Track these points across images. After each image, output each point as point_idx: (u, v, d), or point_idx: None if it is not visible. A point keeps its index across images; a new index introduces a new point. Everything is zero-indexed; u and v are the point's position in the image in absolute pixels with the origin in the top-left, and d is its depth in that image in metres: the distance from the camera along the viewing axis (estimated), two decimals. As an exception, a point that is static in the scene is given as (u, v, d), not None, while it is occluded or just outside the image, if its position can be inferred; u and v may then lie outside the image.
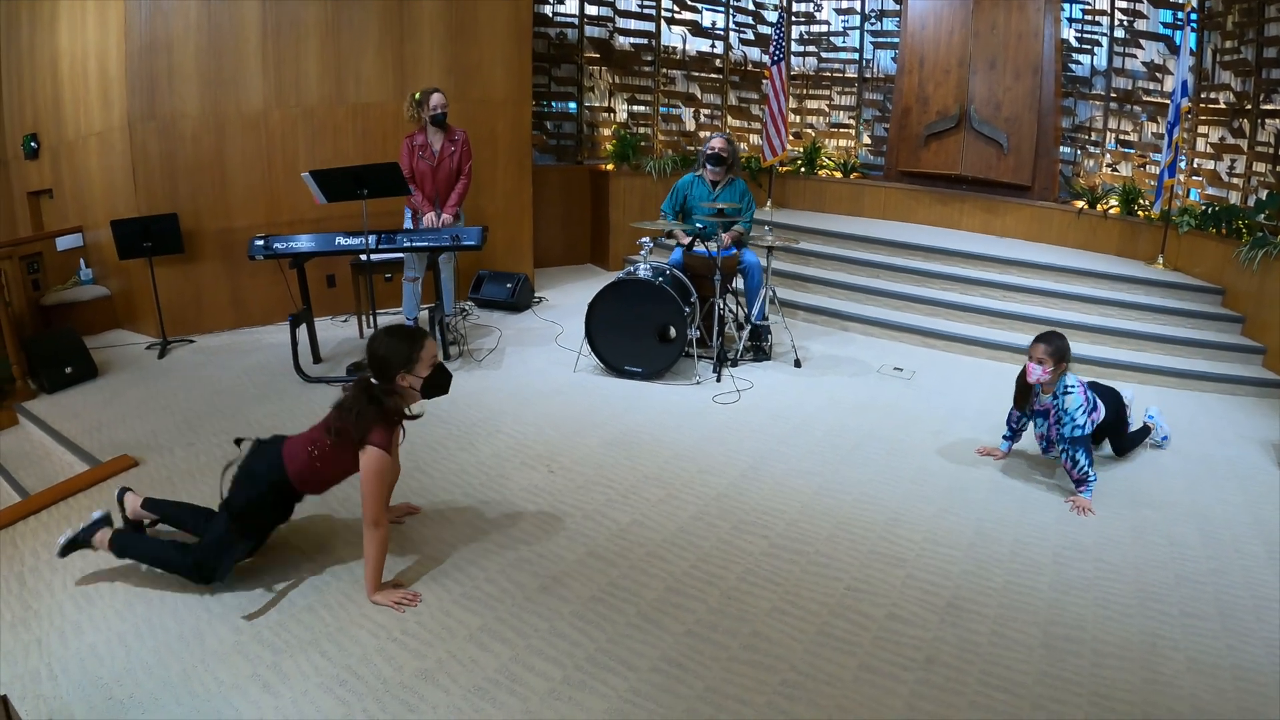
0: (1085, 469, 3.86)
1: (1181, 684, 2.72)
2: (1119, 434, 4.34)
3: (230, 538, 3.08)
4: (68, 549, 3.12)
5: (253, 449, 3.20)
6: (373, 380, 3.06)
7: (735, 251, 5.67)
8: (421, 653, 2.75)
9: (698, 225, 5.52)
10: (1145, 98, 7.29)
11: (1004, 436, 4.36)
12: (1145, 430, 4.49)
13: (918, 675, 2.72)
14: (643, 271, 5.15)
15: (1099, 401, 4.03)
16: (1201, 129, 6.87)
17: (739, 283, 5.95)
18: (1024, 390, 4.07)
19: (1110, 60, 7.46)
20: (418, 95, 5.53)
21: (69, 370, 5.10)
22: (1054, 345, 3.83)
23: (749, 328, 5.70)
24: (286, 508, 3.22)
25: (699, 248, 5.53)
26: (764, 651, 2.82)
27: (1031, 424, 4.17)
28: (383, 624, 2.89)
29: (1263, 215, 5.94)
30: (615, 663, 2.72)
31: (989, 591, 3.20)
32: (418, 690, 2.57)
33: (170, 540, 3.20)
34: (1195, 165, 6.91)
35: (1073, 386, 3.87)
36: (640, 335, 5.18)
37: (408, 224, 5.73)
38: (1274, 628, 3.03)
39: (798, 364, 5.66)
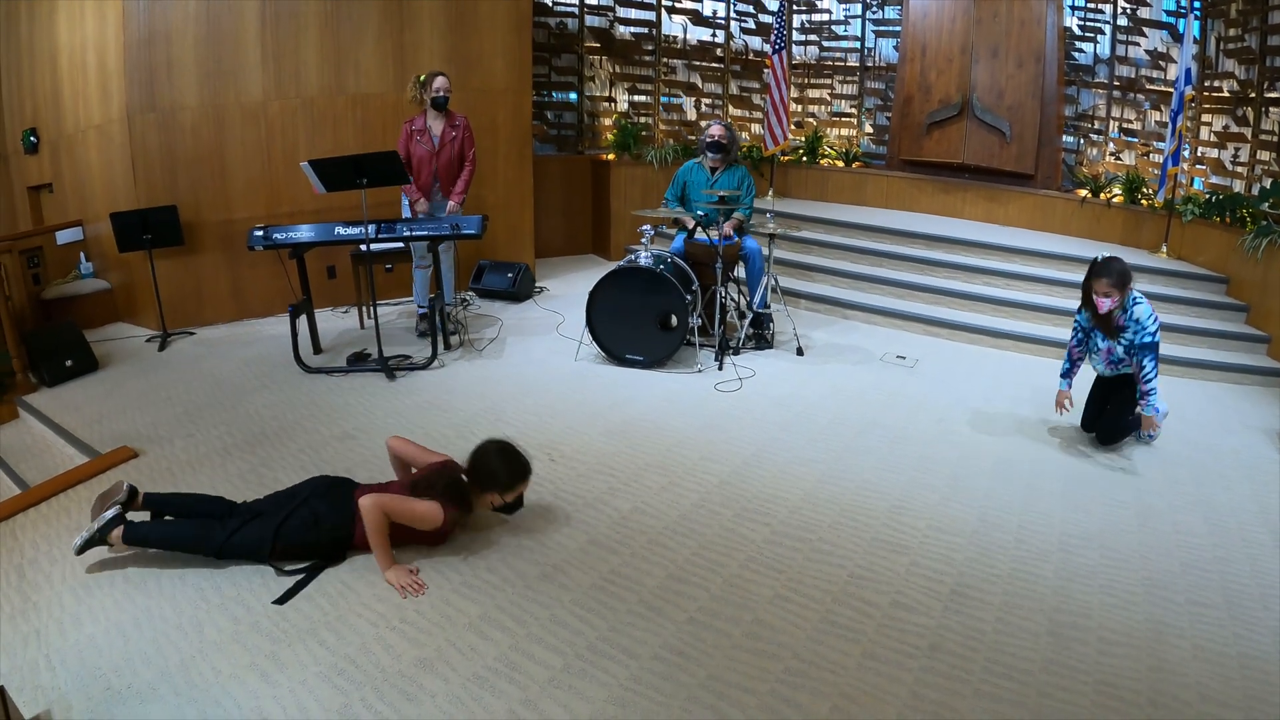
0: (1152, 375, 4.05)
1: (1187, 671, 2.70)
2: (1121, 416, 4.32)
3: (263, 554, 3.13)
4: (85, 547, 3.12)
5: (319, 488, 3.26)
6: (464, 477, 3.28)
7: (736, 239, 5.64)
8: (420, 641, 2.73)
9: (698, 213, 5.50)
10: (1148, 86, 7.23)
11: (1062, 374, 4.47)
12: (1136, 421, 4.36)
13: (922, 663, 2.70)
14: (644, 259, 5.12)
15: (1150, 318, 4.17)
16: (1205, 117, 6.80)
17: (741, 271, 5.92)
18: (1106, 322, 4.20)
19: (1113, 48, 7.40)
20: (422, 77, 5.52)
21: (69, 363, 5.10)
22: (1115, 274, 4.03)
23: (751, 316, 5.67)
24: (334, 556, 3.23)
25: (700, 235, 5.50)
26: (767, 639, 2.79)
27: (1096, 344, 4.31)
28: (382, 613, 2.87)
29: (1267, 204, 5.88)
30: (616, 651, 2.70)
31: (993, 579, 3.18)
32: (416, 679, 2.56)
33: (182, 521, 3.23)
34: (1199, 154, 6.85)
35: (1140, 298, 4.09)
36: (641, 323, 5.15)
37: (406, 213, 5.71)
38: None
39: (800, 352, 5.63)
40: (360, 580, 3.05)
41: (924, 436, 4.44)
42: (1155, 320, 4.07)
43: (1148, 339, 4.05)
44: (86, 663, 2.63)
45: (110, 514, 3.13)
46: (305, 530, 3.13)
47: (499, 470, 3.25)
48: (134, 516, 3.21)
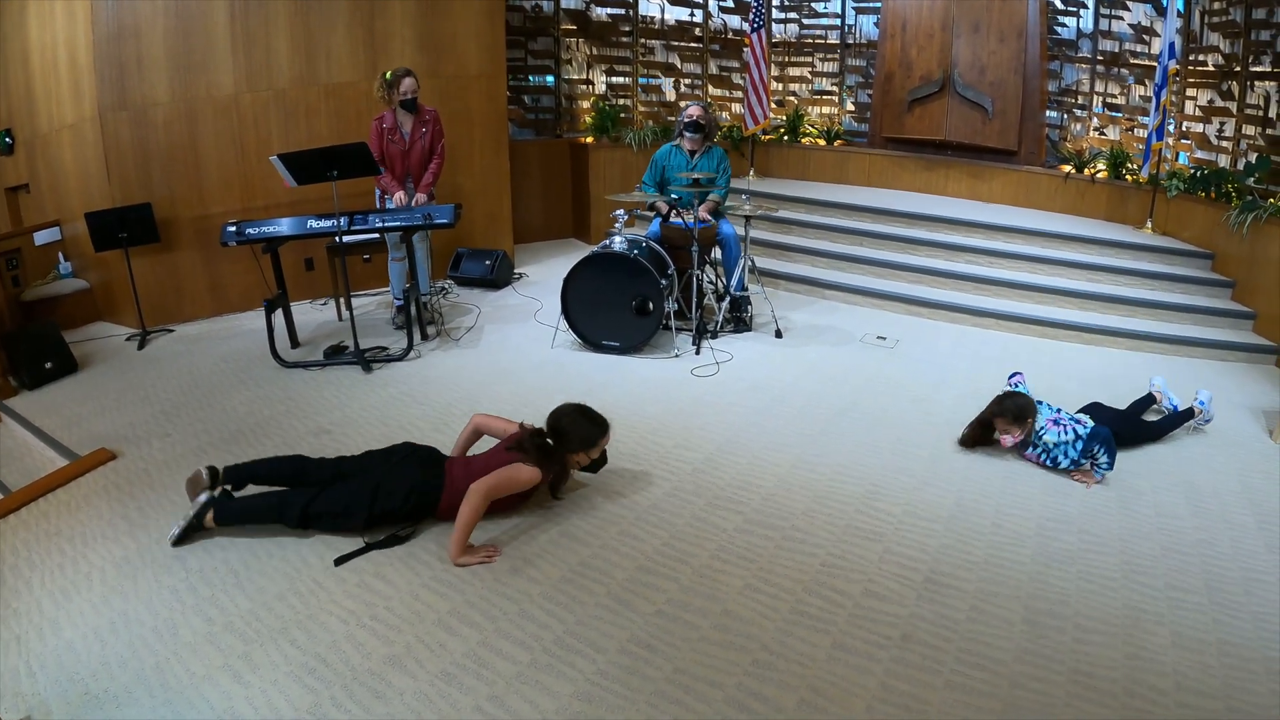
0: (1107, 465, 3.79)
1: (1165, 659, 2.69)
2: (1138, 426, 4.24)
3: (357, 519, 3.27)
4: (183, 537, 3.29)
5: (413, 453, 3.43)
6: (549, 441, 3.42)
7: (713, 222, 5.62)
8: (390, 639, 2.76)
9: (673, 196, 5.48)
10: (1132, 60, 7.18)
11: None
12: (1188, 413, 4.28)
13: (893, 654, 2.70)
14: (618, 245, 5.12)
15: (1070, 420, 3.90)
16: (1190, 92, 6.76)
17: (718, 253, 5.91)
18: (989, 434, 4.06)
19: (1096, 22, 7.34)
20: (389, 76, 5.45)
21: (49, 365, 5.09)
22: (1006, 409, 3.89)
23: (728, 299, 5.67)
24: (415, 517, 3.38)
25: (675, 219, 5.49)
26: (735, 631, 2.80)
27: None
28: (352, 610, 2.90)
29: (1252, 179, 5.86)
30: (583, 645, 2.73)
31: (969, 566, 3.17)
32: (385, 676, 2.58)
33: (268, 493, 3.39)
34: (1184, 128, 6.82)
35: (1041, 427, 3.87)
36: (617, 309, 5.15)
37: (390, 204, 5.69)
38: (1262, 601, 2.99)
39: (779, 334, 5.64)
40: (331, 577, 3.07)
41: (902, 419, 4.44)
42: (1072, 430, 3.81)
43: (1074, 452, 3.80)
44: (65, 668, 2.65)
45: (202, 499, 3.33)
46: (404, 496, 3.27)
47: (584, 429, 3.44)
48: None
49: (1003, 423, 3.91)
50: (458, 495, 3.21)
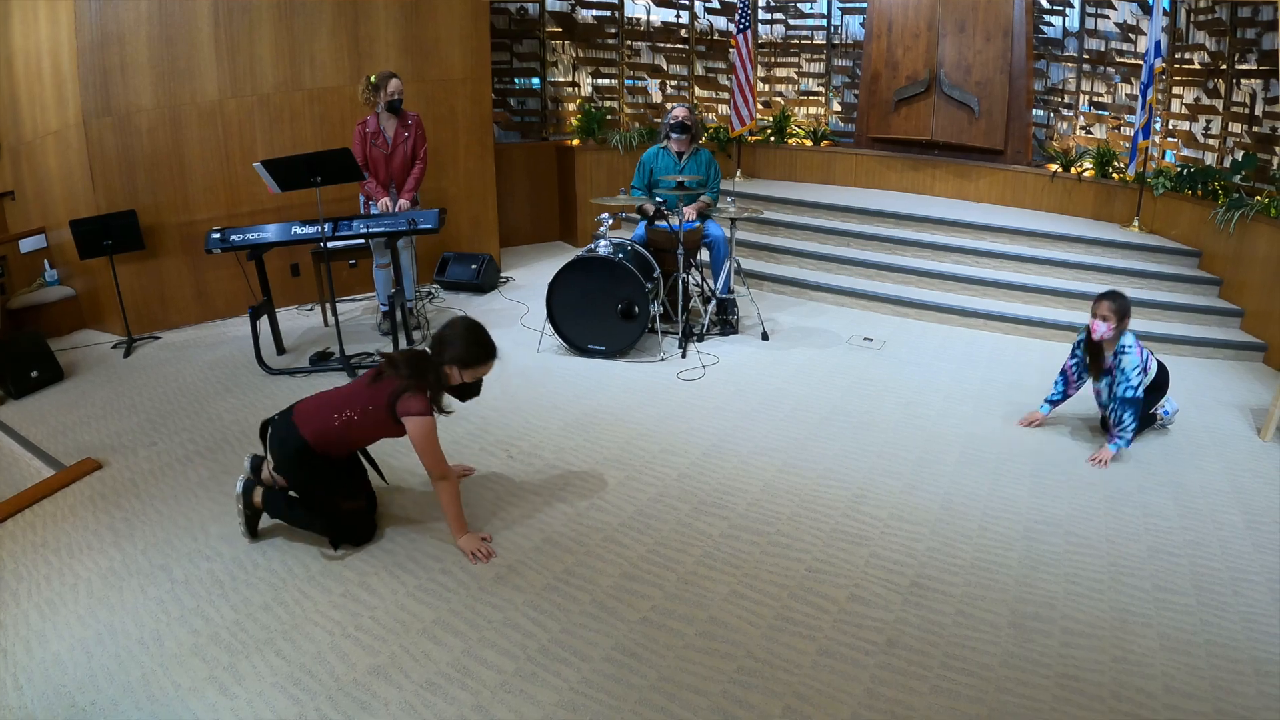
0: (1129, 430, 3.90)
1: (1153, 662, 2.69)
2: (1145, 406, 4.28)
3: (312, 514, 3.27)
4: (248, 531, 3.37)
5: (269, 431, 3.31)
6: (427, 351, 3.24)
7: (699, 224, 5.64)
8: (375, 648, 2.76)
9: (658, 199, 5.49)
10: (1118, 59, 7.21)
11: (1049, 399, 4.35)
12: (1151, 419, 4.36)
13: (878, 659, 2.70)
14: (603, 249, 5.12)
15: (1151, 358, 4.04)
16: (1176, 90, 6.80)
17: (705, 255, 5.92)
18: (1097, 354, 4.08)
19: (1082, 21, 7.37)
20: (374, 78, 5.44)
21: (35, 374, 5.07)
22: (1118, 302, 3.91)
23: (714, 301, 5.68)
24: (336, 468, 3.28)
25: (660, 222, 5.50)
26: (720, 638, 2.81)
27: (1091, 381, 4.19)
28: (337, 620, 2.90)
29: (1239, 176, 5.89)
30: (568, 653, 2.74)
31: (955, 569, 3.18)
32: (370, 687, 2.59)
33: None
34: (1170, 126, 6.85)
35: (1130, 346, 3.93)
36: (602, 313, 5.16)
37: (374, 209, 5.68)
38: (1251, 601, 3.00)
39: (765, 337, 5.66)
40: (317, 588, 3.08)
41: (889, 421, 4.45)
42: (1140, 374, 3.93)
43: (1129, 394, 3.89)
44: (52, 680, 2.65)
45: (244, 480, 3.36)
46: (285, 471, 3.25)
47: (467, 345, 3.21)
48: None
49: (1107, 307, 3.91)
50: (321, 425, 3.18)
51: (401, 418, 3.13)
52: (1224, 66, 6.34)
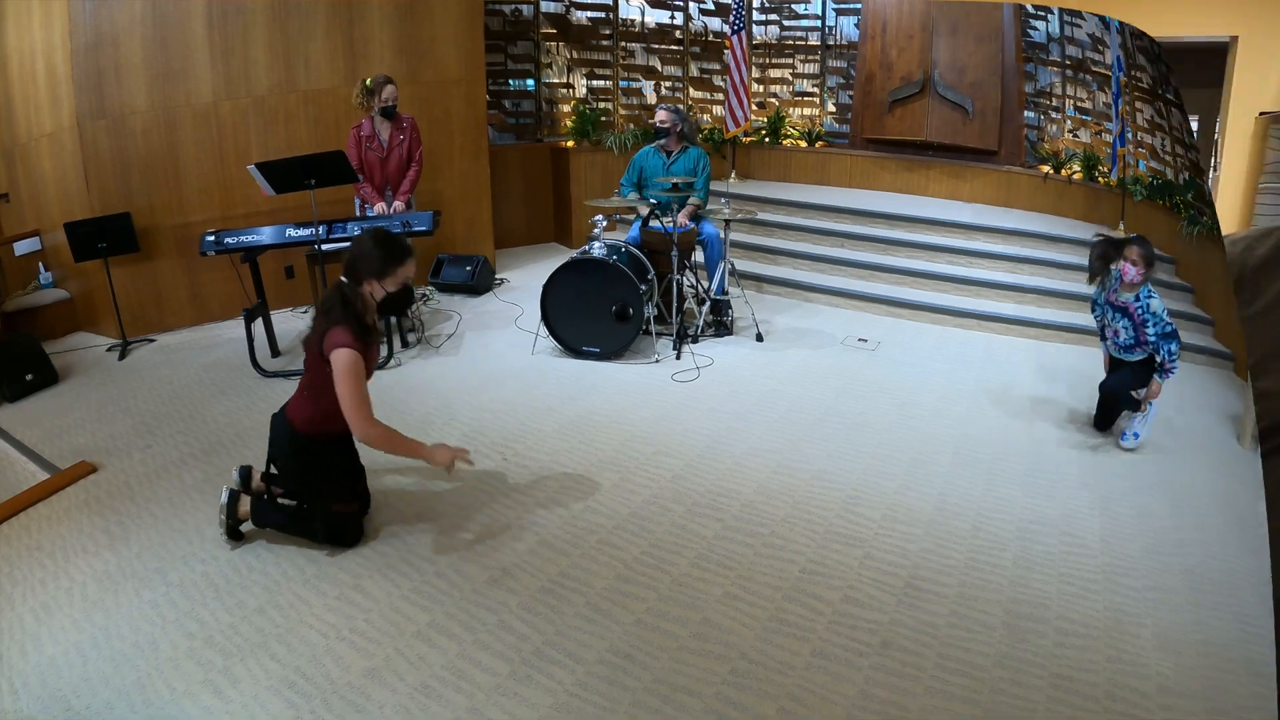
0: (1176, 357, 4.11)
1: (1147, 662, 2.70)
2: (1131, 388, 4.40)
3: (306, 513, 3.30)
4: (229, 535, 3.37)
5: (271, 427, 3.34)
6: (343, 279, 3.15)
7: (693, 225, 5.65)
8: (369, 651, 2.77)
9: (650, 200, 5.50)
10: (1094, 68, 7.23)
11: (1107, 351, 4.50)
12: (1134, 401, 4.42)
13: (873, 661, 2.71)
14: (597, 250, 5.13)
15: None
16: (1138, 104, 6.80)
17: (700, 256, 5.93)
18: (1104, 264, 4.25)
19: (1061, 28, 7.39)
20: (369, 82, 5.46)
21: (30, 377, 5.07)
22: (1148, 250, 4.10)
23: (709, 303, 5.70)
24: (329, 461, 3.31)
25: (654, 223, 5.50)
26: (714, 640, 2.81)
27: (1105, 321, 4.32)
28: (332, 623, 2.91)
29: (1191, 194, 5.95)
30: (562, 655, 2.75)
31: (949, 570, 3.18)
32: (365, 690, 2.60)
33: (299, 508, 3.37)
34: (1138, 138, 6.89)
35: (1154, 293, 4.14)
36: (597, 315, 5.17)
37: (370, 212, 5.69)
38: (1244, 600, 3.00)
39: (760, 338, 5.67)
40: (311, 591, 3.09)
41: (883, 422, 4.46)
42: (1166, 313, 4.14)
43: (1167, 329, 4.10)
44: (48, 685, 2.66)
45: (230, 488, 3.37)
46: (282, 467, 3.31)
47: (373, 253, 3.10)
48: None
49: (1137, 252, 4.08)
50: (301, 406, 3.23)
51: (328, 356, 3.05)
52: (1160, 90, 6.38)
